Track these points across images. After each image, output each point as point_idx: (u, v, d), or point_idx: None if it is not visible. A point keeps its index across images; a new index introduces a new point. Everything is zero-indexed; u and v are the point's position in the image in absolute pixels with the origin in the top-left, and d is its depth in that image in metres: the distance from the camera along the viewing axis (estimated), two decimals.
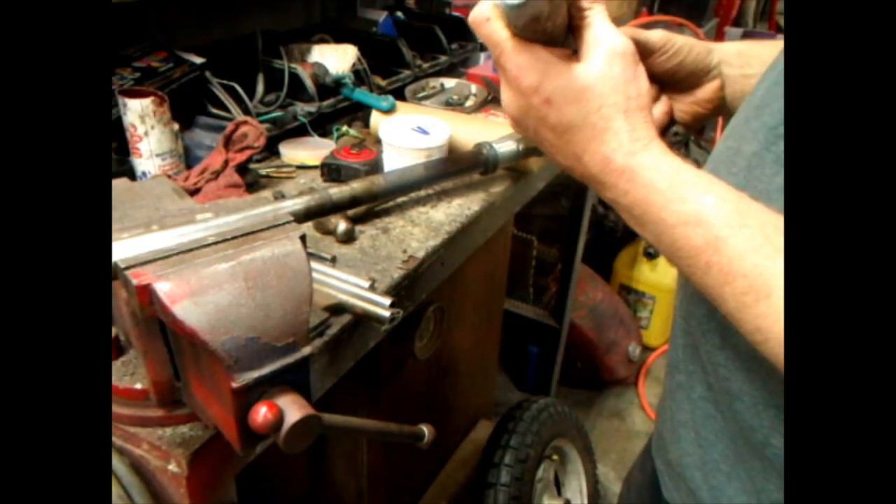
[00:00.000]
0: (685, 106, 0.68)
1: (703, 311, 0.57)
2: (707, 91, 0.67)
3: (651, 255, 2.37)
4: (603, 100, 0.47)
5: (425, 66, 1.45)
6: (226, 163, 0.94)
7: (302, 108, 1.15)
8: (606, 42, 0.47)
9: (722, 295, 0.43)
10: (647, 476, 0.81)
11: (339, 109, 1.22)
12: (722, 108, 0.68)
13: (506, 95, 0.51)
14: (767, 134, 0.50)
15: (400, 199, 0.96)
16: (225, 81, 1.07)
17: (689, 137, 2.55)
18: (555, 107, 0.47)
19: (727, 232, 0.42)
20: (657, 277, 2.38)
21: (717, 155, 0.58)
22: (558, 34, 0.48)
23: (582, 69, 0.47)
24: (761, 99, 0.53)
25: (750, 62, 0.65)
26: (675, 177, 0.45)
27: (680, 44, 0.63)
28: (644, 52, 0.58)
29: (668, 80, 0.65)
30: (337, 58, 1.27)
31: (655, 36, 0.61)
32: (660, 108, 0.67)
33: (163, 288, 0.43)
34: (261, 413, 0.45)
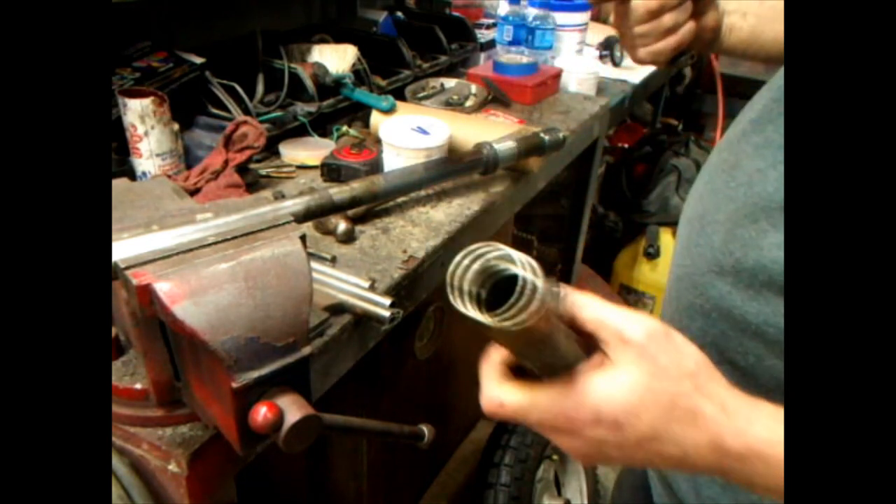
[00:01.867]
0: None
1: (697, 324, 0.57)
2: (710, 19, 0.72)
3: (651, 255, 2.37)
4: (672, 393, 0.39)
5: (425, 66, 1.45)
6: (226, 163, 0.94)
7: (302, 108, 1.15)
8: (626, 335, 0.40)
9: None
10: (637, 477, 0.81)
11: (339, 109, 1.22)
12: (715, 41, 0.74)
13: (568, 443, 0.42)
14: (774, 151, 0.49)
15: (400, 199, 0.96)
16: (225, 81, 1.07)
17: (689, 138, 2.55)
18: (627, 427, 0.39)
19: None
20: (657, 277, 2.38)
21: (713, 166, 0.58)
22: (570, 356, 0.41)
23: (629, 377, 0.39)
24: (761, 113, 0.54)
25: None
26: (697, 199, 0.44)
27: None
28: None
29: None
30: (337, 58, 1.27)
31: None
32: (688, 28, 0.70)
33: (163, 288, 0.43)
34: (261, 413, 0.45)
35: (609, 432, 0.39)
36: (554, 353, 0.39)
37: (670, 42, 0.70)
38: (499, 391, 0.41)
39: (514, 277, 0.32)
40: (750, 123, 0.54)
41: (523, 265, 0.32)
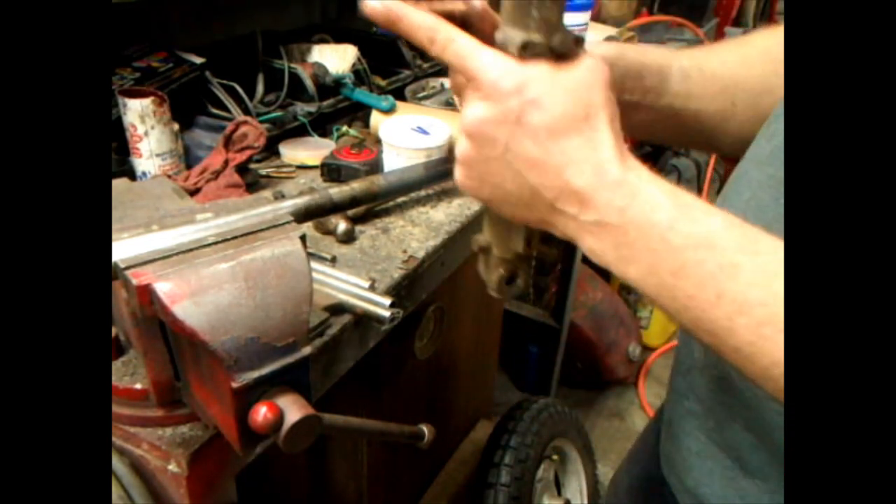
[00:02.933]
0: None
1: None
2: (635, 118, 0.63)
3: None
4: (592, 107, 0.41)
5: (425, 66, 1.45)
6: (226, 163, 0.94)
7: (302, 108, 1.15)
8: (591, 58, 0.43)
9: (732, 328, 0.38)
10: (633, 479, 0.80)
11: (339, 109, 1.22)
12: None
13: (473, 107, 0.43)
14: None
15: (400, 199, 0.96)
16: (225, 81, 1.07)
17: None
18: (540, 107, 0.41)
19: (741, 258, 0.38)
20: None
21: (753, 182, 0.53)
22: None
23: (568, 73, 0.42)
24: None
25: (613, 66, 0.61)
26: (679, 196, 0.41)
27: (629, 56, 0.60)
28: None
29: None
30: (337, 58, 1.27)
31: (608, 50, 0.58)
32: None
33: (163, 288, 0.43)
34: (261, 413, 0.45)
35: (522, 105, 0.41)
36: (548, 13, 0.41)
37: None
38: (451, 32, 0.43)
39: None
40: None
41: None
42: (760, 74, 0.60)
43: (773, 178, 0.51)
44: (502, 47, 0.42)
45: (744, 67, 0.62)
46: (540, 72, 0.41)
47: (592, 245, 0.43)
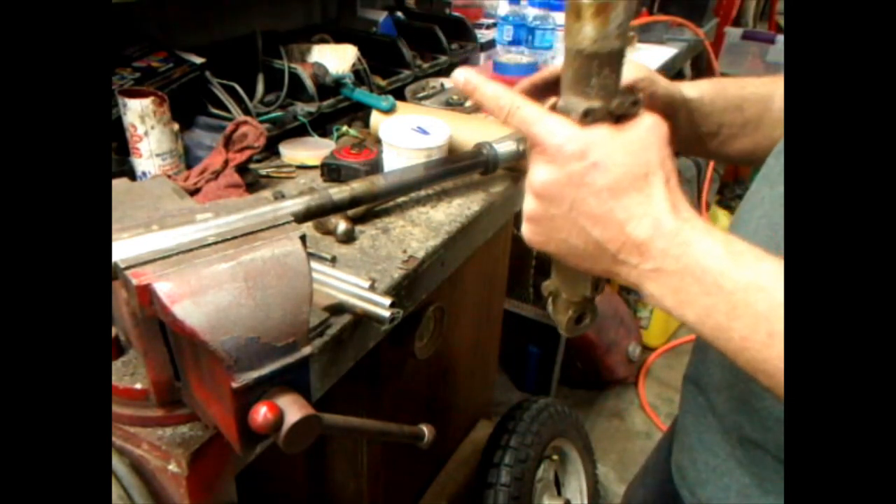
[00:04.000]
0: None
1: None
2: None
3: None
4: (649, 166, 0.45)
5: (425, 66, 1.45)
6: (226, 163, 0.94)
7: (302, 108, 1.15)
8: (649, 118, 0.47)
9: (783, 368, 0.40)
10: (648, 492, 0.80)
11: (339, 109, 1.22)
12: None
13: (539, 171, 0.47)
14: None
15: (400, 199, 0.96)
16: (225, 81, 1.07)
17: None
18: (602, 169, 0.44)
19: None
20: None
21: (766, 201, 0.55)
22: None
23: (628, 135, 0.45)
24: None
25: (706, 121, 0.67)
26: (731, 244, 0.43)
27: (658, 81, 0.63)
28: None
29: None
30: (337, 58, 1.27)
31: (630, 77, 0.61)
32: None
33: (163, 288, 0.43)
34: (261, 413, 0.45)
35: (585, 169, 0.44)
36: (607, 80, 0.45)
37: None
38: (518, 101, 0.48)
39: None
40: None
41: None
42: None
43: (783, 197, 0.52)
44: (565, 113, 0.46)
45: None
46: (601, 136, 0.45)
47: (653, 290, 0.46)
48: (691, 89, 0.65)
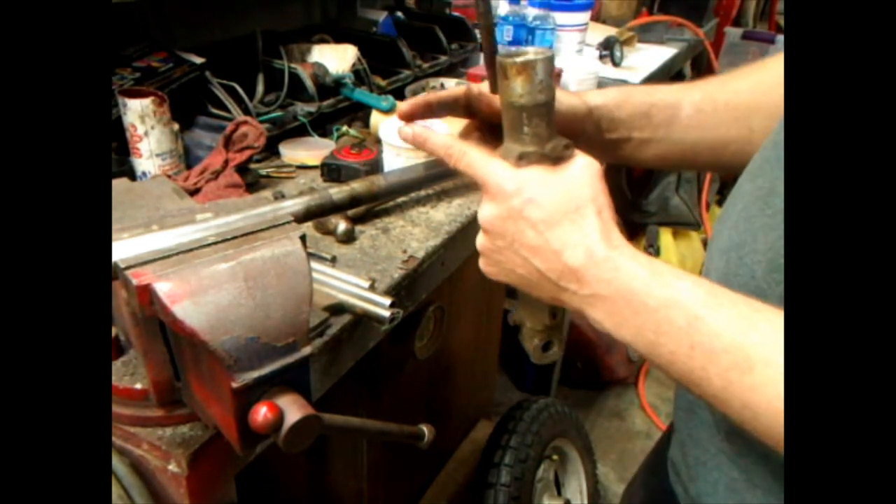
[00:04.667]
0: None
1: None
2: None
3: (651, 255, 2.37)
4: (581, 200, 0.49)
5: (425, 66, 1.45)
6: (226, 163, 0.94)
7: (302, 108, 1.15)
8: (582, 158, 0.52)
9: (707, 376, 0.43)
10: (649, 491, 0.80)
11: (339, 109, 1.22)
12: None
13: (485, 208, 0.52)
14: None
15: (400, 199, 0.96)
16: (225, 81, 1.07)
17: None
18: (536, 204, 0.49)
19: (704, 312, 0.43)
20: None
21: (747, 194, 0.56)
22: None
23: (561, 175, 0.50)
24: None
25: (620, 125, 0.69)
26: (654, 266, 0.47)
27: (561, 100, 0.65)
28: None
29: None
30: (337, 58, 1.27)
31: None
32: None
33: (163, 288, 0.43)
34: (261, 413, 0.45)
35: (522, 204, 0.49)
36: (537, 128, 0.51)
37: None
38: (463, 148, 0.54)
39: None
40: (783, 148, 0.53)
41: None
42: (777, 98, 0.63)
43: (761, 189, 0.54)
44: (504, 158, 0.51)
45: (758, 94, 0.67)
46: (535, 175, 0.50)
47: (593, 315, 0.49)
48: (596, 97, 0.68)
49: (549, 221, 0.49)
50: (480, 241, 0.54)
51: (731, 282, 0.54)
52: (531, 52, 0.51)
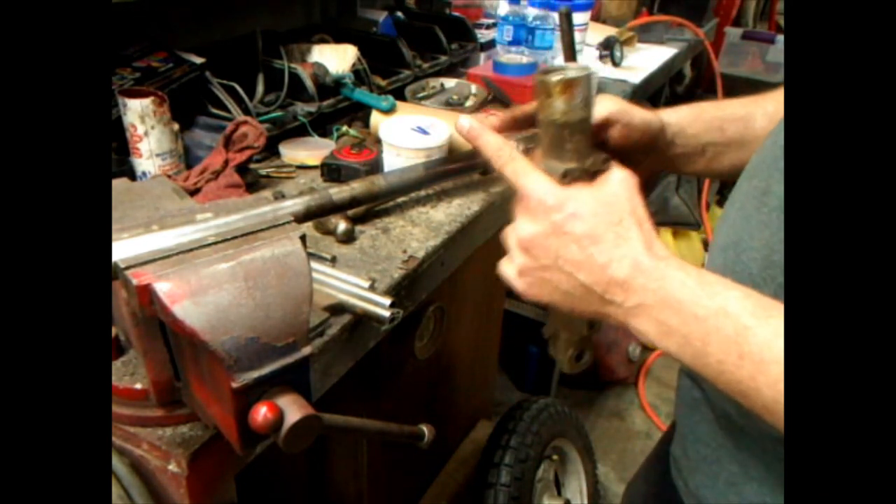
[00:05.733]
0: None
1: None
2: (646, 164, 0.72)
3: None
4: (622, 214, 0.50)
5: (425, 66, 1.45)
6: (226, 163, 0.94)
7: (302, 108, 1.15)
8: (619, 172, 0.52)
9: (757, 387, 0.43)
10: (651, 486, 0.80)
11: (339, 109, 1.22)
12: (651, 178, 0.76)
13: (523, 226, 0.51)
14: None
15: (400, 199, 0.96)
16: (225, 81, 1.07)
17: None
18: (580, 218, 0.49)
19: (753, 322, 0.43)
20: None
21: (744, 193, 0.58)
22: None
23: (601, 189, 0.51)
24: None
25: (689, 140, 0.71)
26: (702, 276, 0.47)
27: (630, 115, 0.67)
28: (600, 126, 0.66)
29: (618, 151, 0.67)
30: (337, 58, 1.27)
31: (612, 107, 0.67)
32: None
33: (163, 288, 0.43)
34: (261, 413, 0.45)
35: (565, 219, 0.49)
36: (579, 144, 0.52)
37: None
38: (513, 153, 0.53)
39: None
40: (780, 149, 0.54)
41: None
42: None
43: (757, 189, 0.55)
44: (549, 174, 0.51)
45: None
46: (577, 191, 0.50)
47: (639, 326, 0.49)
48: (670, 115, 0.70)
49: (593, 236, 0.49)
50: (520, 261, 0.52)
51: (729, 278, 0.55)
52: (572, 70, 0.51)
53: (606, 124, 0.64)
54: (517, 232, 0.52)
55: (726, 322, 0.44)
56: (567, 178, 0.51)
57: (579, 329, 0.61)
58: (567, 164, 0.52)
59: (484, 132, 0.56)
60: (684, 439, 0.67)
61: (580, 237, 0.49)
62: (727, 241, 0.58)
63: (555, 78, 0.50)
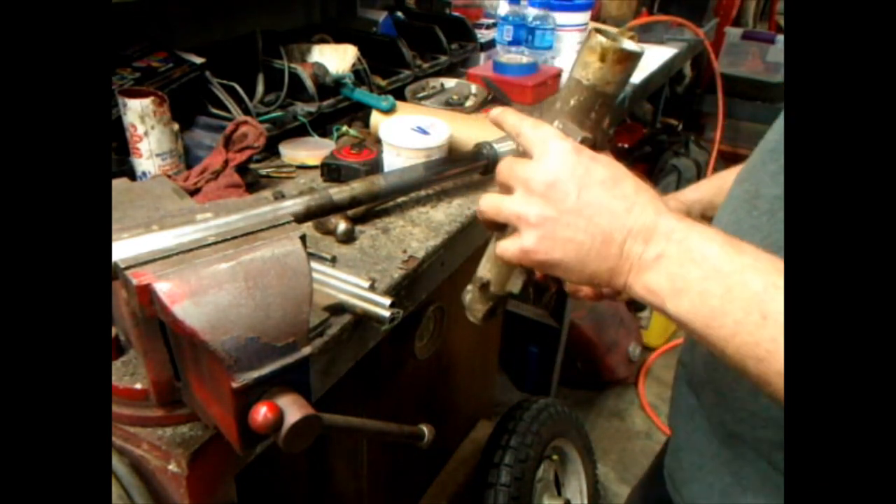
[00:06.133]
0: None
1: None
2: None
3: None
4: (626, 172, 0.49)
5: (425, 66, 1.45)
6: (226, 163, 0.94)
7: (302, 108, 1.15)
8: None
9: (777, 349, 0.40)
10: (647, 500, 0.81)
11: (339, 109, 1.22)
12: None
13: (542, 168, 0.49)
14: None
15: (400, 199, 0.96)
16: (225, 81, 1.07)
17: (689, 138, 2.55)
18: (602, 163, 0.48)
19: (782, 281, 0.40)
20: None
21: (736, 198, 0.58)
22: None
23: (606, 155, 0.50)
24: (776, 143, 0.54)
25: (718, 197, 0.71)
26: (728, 238, 0.45)
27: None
28: None
29: None
30: (337, 58, 1.27)
31: None
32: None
33: (163, 288, 0.43)
34: (261, 413, 0.45)
35: (590, 160, 0.48)
36: (600, 115, 0.51)
37: None
38: (550, 127, 0.51)
39: None
40: (768, 153, 0.55)
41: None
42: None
43: (748, 193, 0.55)
44: (565, 132, 0.50)
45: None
46: (590, 150, 0.50)
47: (650, 282, 0.46)
48: (691, 194, 0.72)
49: (615, 177, 0.47)
50: (536, 210, 0.48)
51: None
52: (628, 42, 0.49)
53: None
54: (536, 176, 0.49)
55: (754, 278, 0.41)
56: (584, 143, 0.50)
57: (513, 285, 0.59)
58: (585, 131, 0.50)
59: (508, 111, 0.55)
60: (679, 450, 0.67)
61: (604, 179, 0.47)
62: None
63: (616, 44, 0.47)
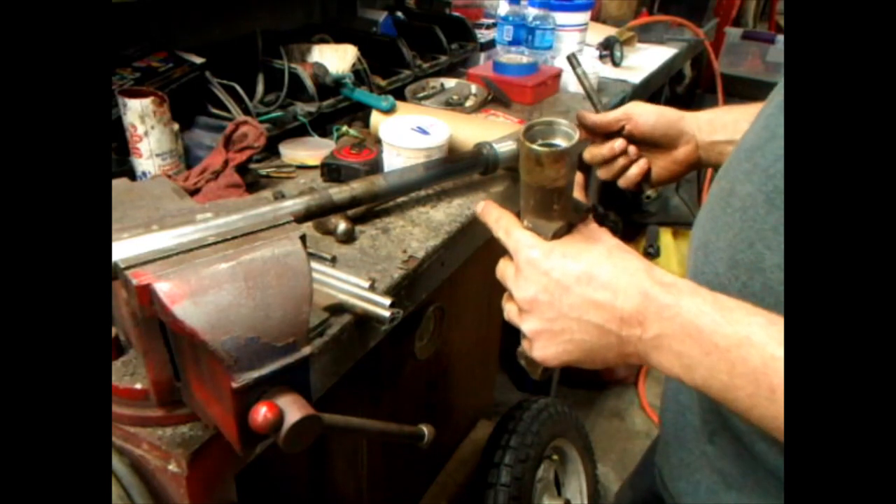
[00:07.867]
0: (664, 163, 0.86)
1: None
2: (682, 153, 0.83)
3: (651, 255, 2.37)
4: (609, 246, 0.50)
5: (425, 66, 1.45)
6: (226, 163, 0.94)
7: (302, 108, 1.15)
8: (588, 223, 0.53)
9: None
10: (638, 493, 0.81)
11: (339, 109, 1.22)
12: (698, 167, 0.85)
13: (521, 287, 0.50)
14: (760, 175, 0.50)
15: (400, 199, 0.96)
16: (225, 81, 1.07)
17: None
18: (571, 258, 0.48)
19: (781, 351, 0.40)
20: None
21: (713, 195, 0.59)
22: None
23: (581, 231, 0.51)
24: (752, 142, 0.54)
25: (717, 129, 0.80)
26: (718, 300, 0.44)
27: (639, 110, 0.82)
28: (611, 128, 0.83)
29: (647, 142, 0.84)
30: (337, 58, 1.27)
31: (612, 115, 0.83)
32: (638, 166, 0.87)
33: (163, 288, 0.43)
34: (261, 413, 0.45)
35: (556, 264, 0.49)
36: (565, 203, 0.51)
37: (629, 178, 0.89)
38: (520, 232, 0.52)
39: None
40: (744, 152, 0.55)
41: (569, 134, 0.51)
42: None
43: (723, 190, 0.56)
44: (537, 233, 0.52)
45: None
46: (563, 241, 0.50)
47: (661, 360, 0.46)
48: (699, 112, 0.76)
49: (589, 272, 0.48)
50: (530, 325, 0.51)
51: (700, 279, 0.56)
52: (560, 132, 0.51)
53: (623, 121, 0.76)
54: (520, 297, 0.51)
55: (751, 352, 0.41)
56: (555, 237, 0.51)
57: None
58: (555, 223, 0.51)
59: (490, 206, 0.57)
60: (668, 446, 0.67)
61: (578, 276, 0.48)
62: (698, 242, 0.59)
63: (548, 150, 0.48)
